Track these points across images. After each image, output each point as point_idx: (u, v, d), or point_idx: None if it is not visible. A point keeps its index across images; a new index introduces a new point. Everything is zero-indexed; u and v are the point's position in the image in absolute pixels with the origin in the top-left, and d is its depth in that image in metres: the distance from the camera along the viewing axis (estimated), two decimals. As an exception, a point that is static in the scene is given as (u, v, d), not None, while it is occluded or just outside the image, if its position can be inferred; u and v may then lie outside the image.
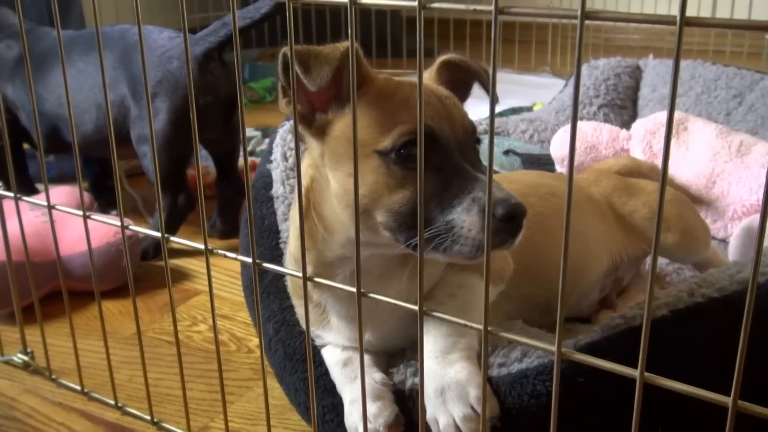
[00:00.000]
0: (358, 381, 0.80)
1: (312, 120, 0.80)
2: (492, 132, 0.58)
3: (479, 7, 0.59)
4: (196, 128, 0.78)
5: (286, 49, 0.72)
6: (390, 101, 0.77)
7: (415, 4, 0.60)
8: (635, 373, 0.57)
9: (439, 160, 0.74)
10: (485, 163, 0.76)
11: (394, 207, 0.74)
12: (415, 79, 0.83)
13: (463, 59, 0.85)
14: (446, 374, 0.74)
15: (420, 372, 0.71)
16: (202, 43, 1.52)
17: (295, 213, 0.88)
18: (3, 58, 1.73)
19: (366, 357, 0.87)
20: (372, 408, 0.78)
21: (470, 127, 0.78)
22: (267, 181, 1.22)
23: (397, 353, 0.89)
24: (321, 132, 0.79)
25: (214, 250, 0.82)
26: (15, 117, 1.72)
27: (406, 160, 0.74)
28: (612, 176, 1.25)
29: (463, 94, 0.88)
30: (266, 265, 0.79)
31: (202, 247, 0.82)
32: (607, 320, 0.73)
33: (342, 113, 0.78)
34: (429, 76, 0.86)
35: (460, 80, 0.87)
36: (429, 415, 0.75)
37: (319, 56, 0.72)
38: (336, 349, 0.90)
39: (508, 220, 0.69)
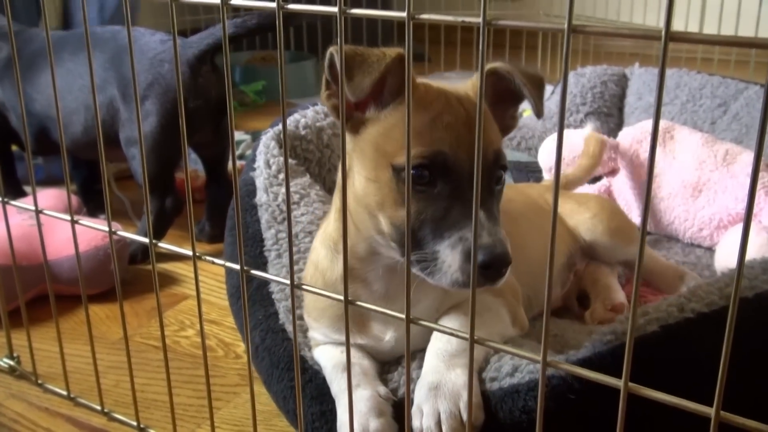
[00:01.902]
0: (360, 390, 0.81)
1: (349, 117, 0.80)
2: (479, 148, 0.58)
3: (467, 19, 0.60)
4: (185, 132, 0.79)
5: (332, 48, 0.73)
6: (421, 117, 0.76)
7: (404, 15, 0.60)
8: (619, 383, 0.58)
9: (445, 188, 0.75)
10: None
11: (396, 222, 0.76)
12: (454, 87, 0.83)
13: (509, 70, 0.80)
14: (447, 374, 0.77)
15: (407, 378, 0.71)
16: (194, 46, 1.52)
17: (330, 221, 0.90)
18: None
19: (368, 365, 0.88)
20: (374, 424, 0.79)
21: (492, 156, 0.77)
22: (251, 189, 1.22)
23: (392, 361, 0.90)
24: (355, 129, 0.80)
25: (203, 257, 0.82)
26: (4, 118, 1.71)
27: (414, 182, 0.74)
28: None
29: (514, 100, 0.85)
30: (254, 272, 0.79)
31: (190, 253, 0.82)
32: (598, 335, 0.74)
33: (378, 118, 0.79)
34: (472, 86, 0.84)
35: (508, 88, 0.83)
36: (415, 407, 0.76)
37: (363, 65, 0.73)
38: (335, 349, 0.90)
39: (485, 267, 0.70)
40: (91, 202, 1.84)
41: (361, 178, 0.79)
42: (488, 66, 0.84)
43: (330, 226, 0.90)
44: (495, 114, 0.84)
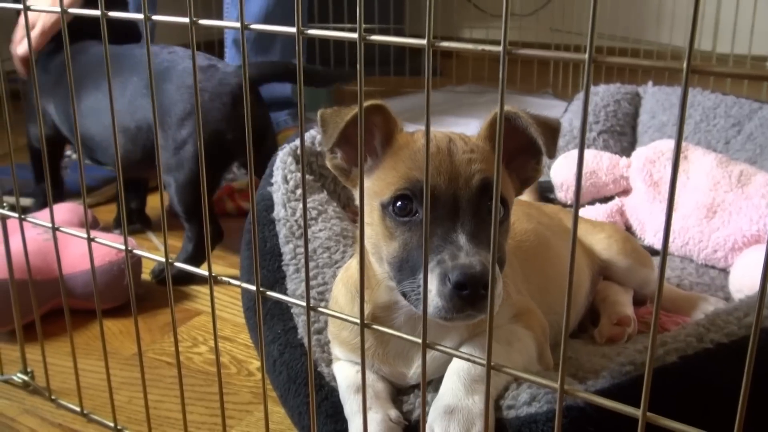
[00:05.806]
0: (371, 413, 0.81)
1: (349, 173, 0.85)
2: (497, 186, 0.59)
3: (488, 48, 0.60)
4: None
5: (320, 112, 0.79)
6: (403, 155, 0.80)
7: (424, 42, 0.61)
8: (637, 412, 0.58)
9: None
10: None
11: (388, 257, 0.78)
12: (441, 130, 0.84)
13: (516, 113, 0.78)
14: (465, 399, 0.76)
15: (422, 404, 0.71)
16: (239, 75, 1.51)
17: (353, 261, 0.92)
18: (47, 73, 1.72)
19: (381, 387, 0.87)
20: None
21: (477, 184, 0.76)
22: (268, 204, 1.22)
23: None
24: (354, 184, 0.85)
25: (218, 278, 0.82)
26: (57, 130, 1.74)
27: (398, 213, 0.76)
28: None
29: (535, 151, 0.83)
30: (270, 293, 0.79)
31: (206, 273, 0.82)
32: (617, 366, 0.73)
33: (372, 169, 0.82)
34: (479, 131, 0.83)
35: (528, 140, 0.79)
36: (427, 426, 0.76)
37: (336, 118, 0.78)
38: (352, 369, 0.90)
39: (460, 288, 0.68)
40: (138, 223, 1.86)
41: (366, 226, 0.81)
42: (492, 112, 0.83)
43: (351, 269, 0.92)
44: (516, 165, 0.85)
